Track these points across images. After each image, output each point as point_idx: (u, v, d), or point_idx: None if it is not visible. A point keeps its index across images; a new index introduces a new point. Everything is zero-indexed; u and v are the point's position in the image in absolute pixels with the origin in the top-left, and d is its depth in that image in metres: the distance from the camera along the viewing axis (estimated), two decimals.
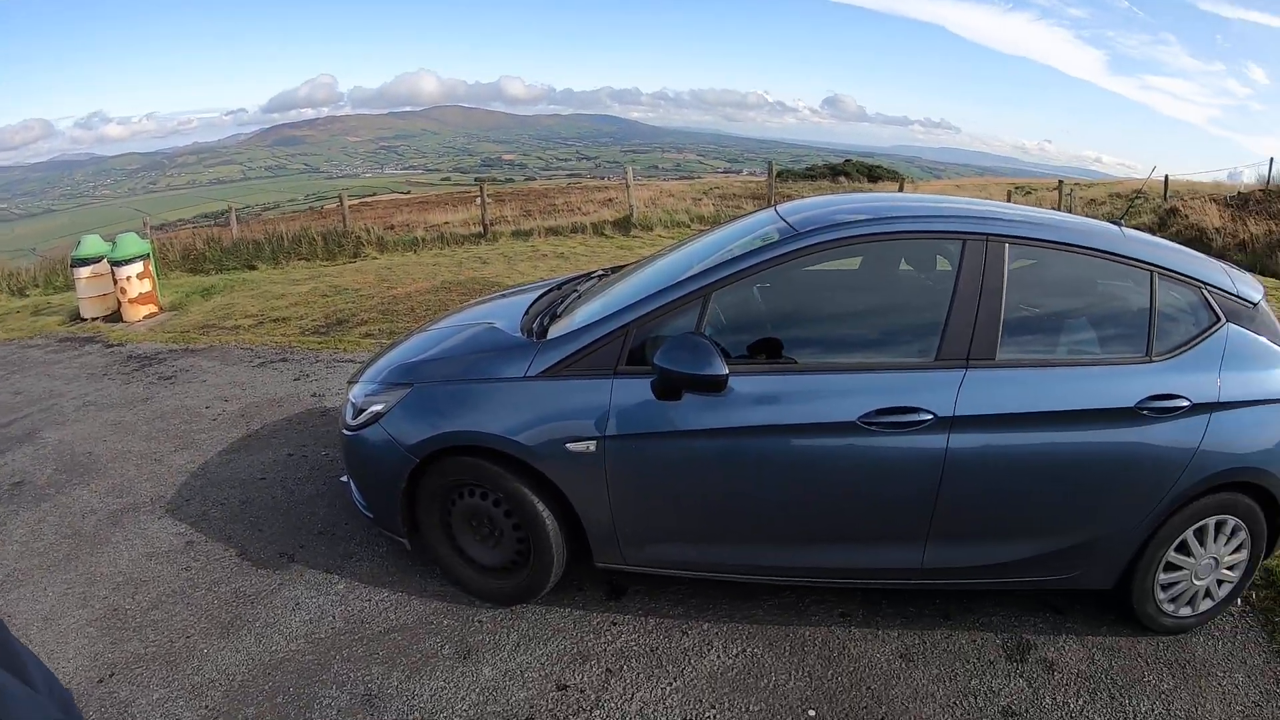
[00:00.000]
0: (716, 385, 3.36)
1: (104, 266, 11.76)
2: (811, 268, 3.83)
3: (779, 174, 24.93)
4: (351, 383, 4.50)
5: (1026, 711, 3.40)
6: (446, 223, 19.45)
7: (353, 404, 4.24)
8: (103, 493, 5.59)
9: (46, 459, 6.30)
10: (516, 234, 17.66)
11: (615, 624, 3.94)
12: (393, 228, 19.30)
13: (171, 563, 4.61)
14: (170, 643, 3.94)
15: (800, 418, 3.46)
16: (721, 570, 3.86)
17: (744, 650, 3.75)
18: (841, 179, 40.31)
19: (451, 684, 3.56)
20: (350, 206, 18.99)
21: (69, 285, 13.59)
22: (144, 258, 11.59)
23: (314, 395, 7.30)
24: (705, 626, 3.91)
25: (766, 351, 3.65)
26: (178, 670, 3.74)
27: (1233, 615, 4.05)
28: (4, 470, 6.17)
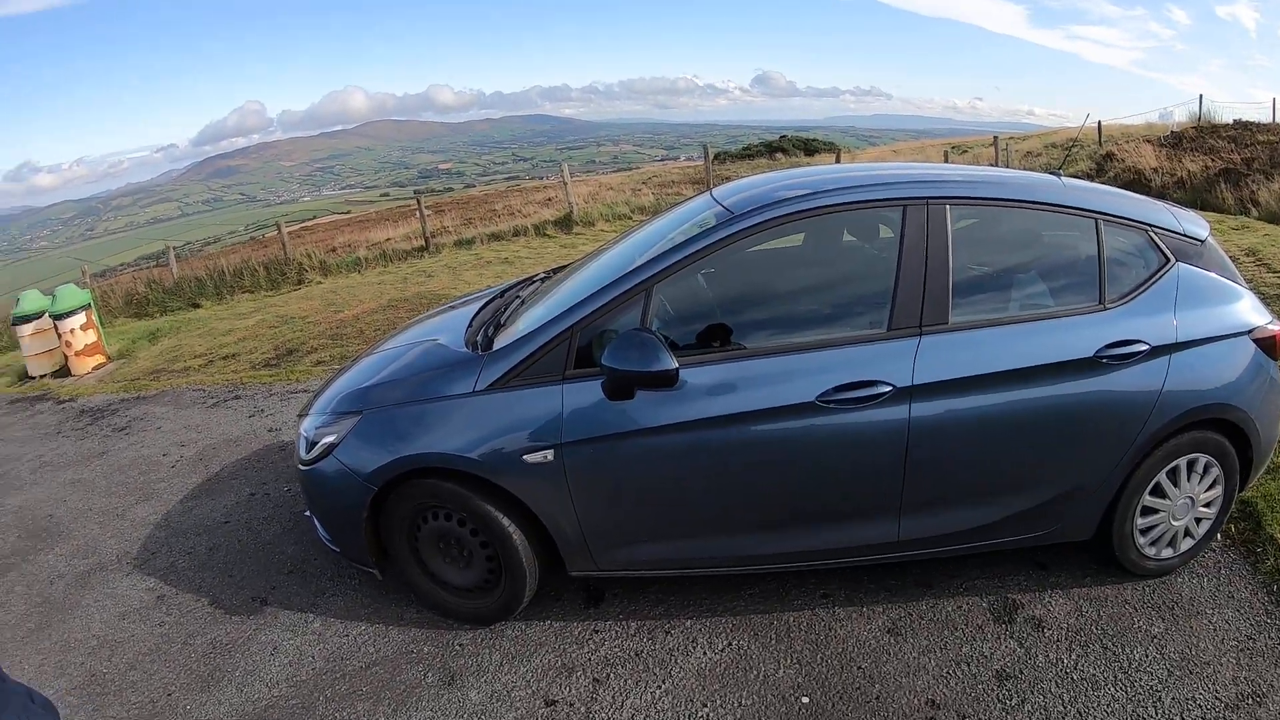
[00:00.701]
0: (667, 380, 3.30)
1: (46, 321, 11.58)
2: (754, 249, 3.76)
3: (716, 156, 25.01)
4: (302, 415, 4.41)
5: (1021, 672, 3.37)
6: (388, 239, 19.40)
7: (305, 438, 4.15)
8: (69, 555, 5.48)
9: (8, 527, 6.17)
10: (459, 243, 17.60)
11: (597, 631, 3.88)
12: (335, 250, 19.25)
13: (145, 620, 4.51)
14: (152, 703, 3.85)
15: (758, 403, 3.40)
16: (697, 565, 3.80)
17: (730, 643, 3.70)
18: (779, 156, 40.19)
19: (439, 712, 3.49)
20: (290, 232, 18.90)
21: (14, 345, 13.38)
22: (85, 308, 11.41)
23: (270, 430, 7.20)
24: (688, 624, 3.86)
25: (717, 339, 3.60)
26: None
27: (1215, 551, 4.06)
28: None
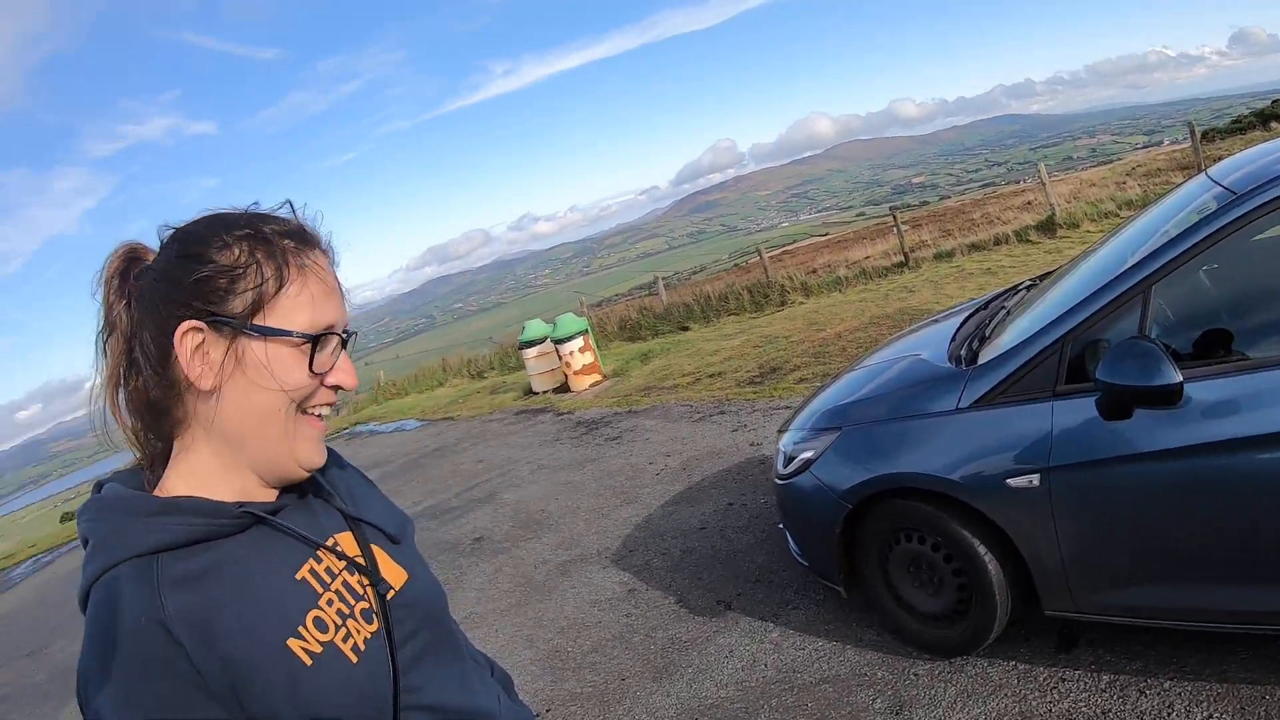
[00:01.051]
0: (1169, 397, 2.86)
1: (548, 346, 13.02)
2: (1263, 235, 3.17)
3: (1204, 134, 22.61)
4: (781, 431, 4.52)
5: None
6: (867, 257, 19.55)
7: (783, 452, 4.24)
8: (553, 545, 6.02)
9: (504, 517, 6.91)
10: (939, 256, 17.21)
11: (1064, 680, 3.52)
12: (815, 271, 19.61)
13: (613, 609, 4.85)
14: (605, 684, 4.13)
15: (1273, 426, 2.80)
16: (1189, 619, 3.26)
17: (1209, 715, 3.14)
18: (1274, 124, 34.94)
19: None
20: (770, 257, 19.60)
21: (520, 365, 15.01)
22: (583, 333, 12.59)
23: (751, 445, 7.41)
24: (1166, 685, 3.35)
25: (1227, 347, 3.08)
26: (610, 710, 3.91)
27: None
28: (467, 527, 6.87)
